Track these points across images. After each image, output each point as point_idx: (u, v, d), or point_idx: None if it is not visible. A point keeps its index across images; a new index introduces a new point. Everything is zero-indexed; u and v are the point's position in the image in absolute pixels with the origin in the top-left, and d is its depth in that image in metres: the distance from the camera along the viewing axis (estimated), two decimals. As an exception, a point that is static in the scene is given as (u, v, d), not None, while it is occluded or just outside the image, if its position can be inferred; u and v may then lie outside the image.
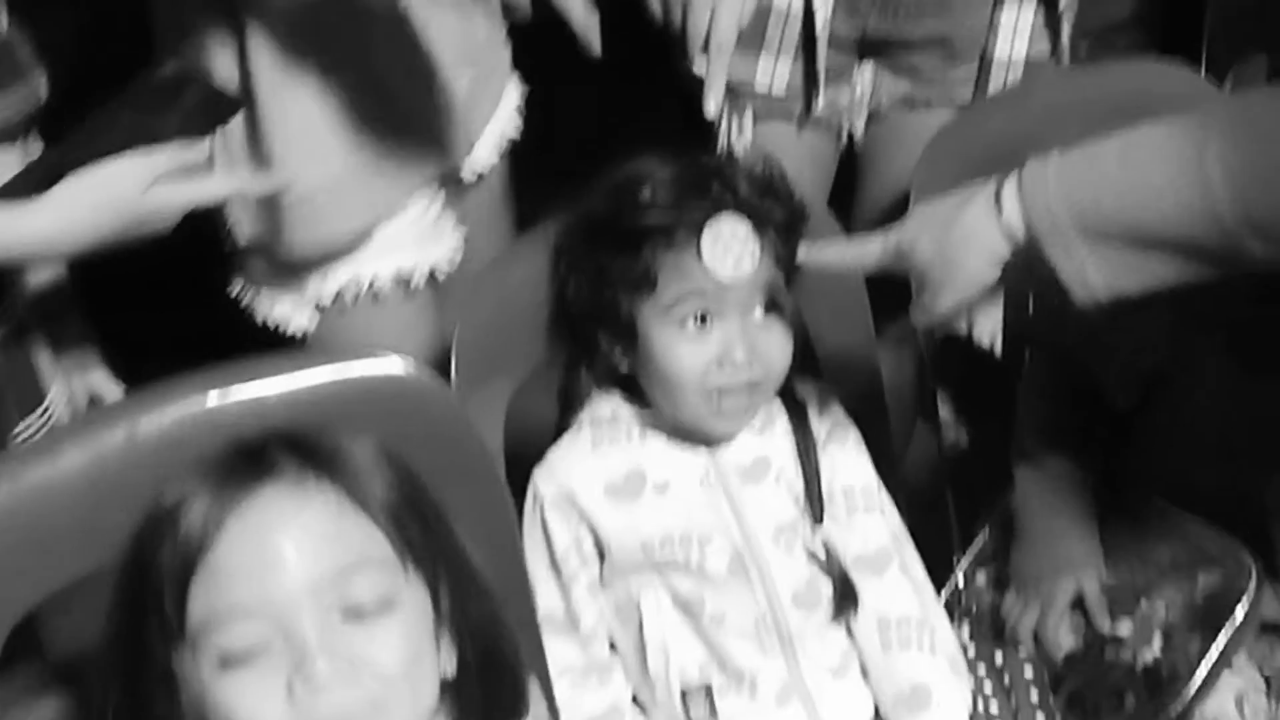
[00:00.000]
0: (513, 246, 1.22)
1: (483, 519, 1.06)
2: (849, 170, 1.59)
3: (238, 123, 1.24)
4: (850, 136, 1.57)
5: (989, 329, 1.42)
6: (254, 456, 0.88)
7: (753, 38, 1.45)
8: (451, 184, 1.41)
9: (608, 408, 1.18)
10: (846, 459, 1.21)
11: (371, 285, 1.33)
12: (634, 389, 1.17)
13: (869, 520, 1.20)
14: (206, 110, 1.14)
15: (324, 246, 1.29)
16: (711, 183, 1.11)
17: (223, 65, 1.23)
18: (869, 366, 1.33)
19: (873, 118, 1.53)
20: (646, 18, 1.19)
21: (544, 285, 1.18)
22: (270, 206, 1.27)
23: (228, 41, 1.22)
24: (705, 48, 1.13)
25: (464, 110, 1.35)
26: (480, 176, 1.44)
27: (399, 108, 1.29)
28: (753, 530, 1.16)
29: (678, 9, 1.13)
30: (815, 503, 1.17)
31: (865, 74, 1.50)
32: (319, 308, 1.34)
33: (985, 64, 1.46)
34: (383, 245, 1.32)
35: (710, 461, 1.17)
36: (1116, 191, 0.91)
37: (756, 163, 1.15)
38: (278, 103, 1.22)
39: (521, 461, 1.17)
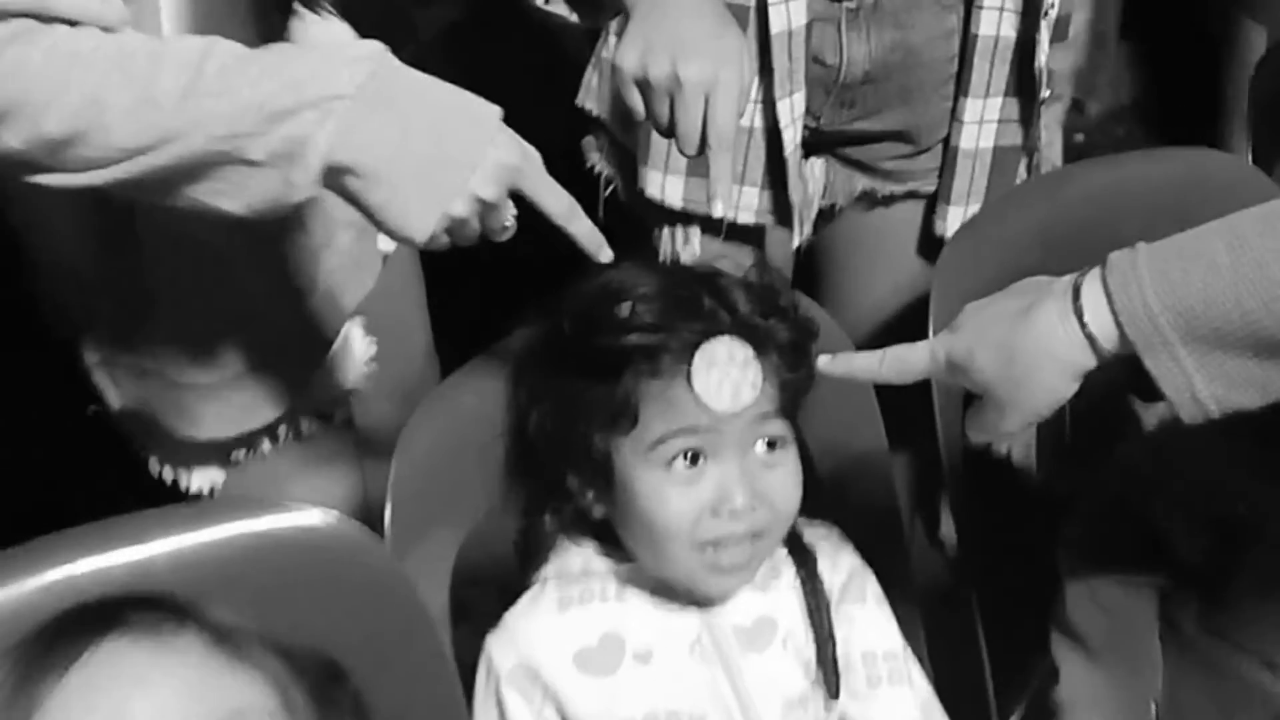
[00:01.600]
0: (461, 371, 1.06)
1: (424, 697, 0.94)
2: (800, 272, 1.45)
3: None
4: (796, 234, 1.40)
5: (1021, 441, 1.25)
6: (88, 615, 0.74)
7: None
8: None
9: (578, 560, 1.02)
10: (866, 618, 1.04)
11: (296, 427, 1.16)
12: (609, 537, 1.01)
13: (895, 693, 1.03)
14: None
15: (237, 430, 1.13)
16: (703, 297, 0.96)
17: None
18: (883, 488, 1.17)
19: (825, 216, 1.39)
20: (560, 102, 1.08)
21: (499, 416, 1.02)
22: (164, 388, 1.11)
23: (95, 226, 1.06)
24: (702, 146, 0.98)
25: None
26: (385, 256, 1.27)
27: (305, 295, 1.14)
28: (756, 709, 0.99)
29: (663, 103, 0.98)
30: (830, 673, 1.01)
31: (815, 171, 1.36)
32: (232, 463, 1.16)
33: (950, 154, 1.33)
34: None
35: (703, 625, 1.01)
36: (1228, 288, 0.80)
37: (755, 272, 1.00)
38: (176, 309, 1.07)
39: (472, 627, 1.02)
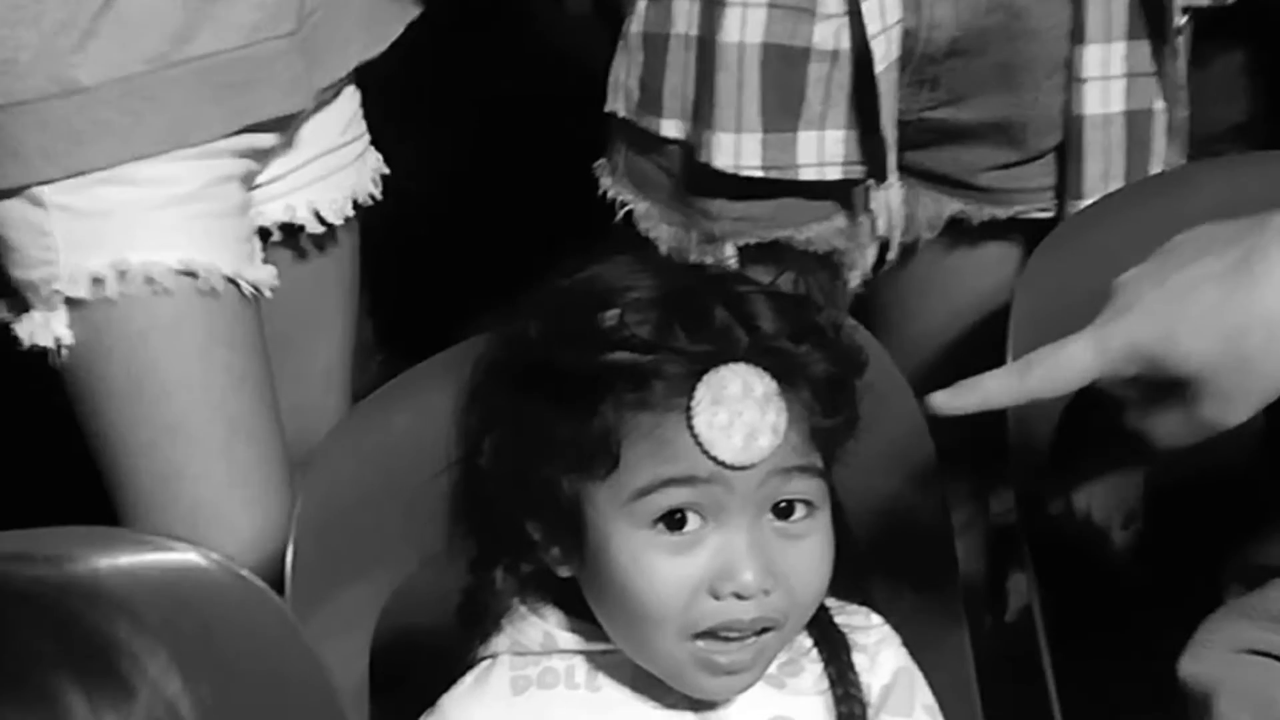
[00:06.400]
0: (394, 383, 0.88)
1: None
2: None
3: None
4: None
5: (1121, 506, 1.03)
6: None
7: (787, 102, 1.07)
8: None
9: (537, 632, 0.84)
10: (915, 735, 0.85)
11: (146, 274, 0.97)
12: (580, 605, 0.83)
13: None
14: None
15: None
16: (715, 308, 0.77)
17: None
18: (941, 562, 0.98)
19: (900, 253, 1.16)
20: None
21: (441, 441, 0.85)
22: None
23: None
24: None
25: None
26: (328, 229, 1.10)
27: None
28: (760, 842, 0.81)
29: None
30: (862, 804, 0.82)
31: (893, 197, 1.12)
32: (72, 300, 0.97)
33: (1073, 129, 1.09)
34: (160, 224, 0.98)
35: (697, 726, 0.83)
36: None
37: (783, 279, 0.81)
38: None
39: (397, 712, 0.87)
